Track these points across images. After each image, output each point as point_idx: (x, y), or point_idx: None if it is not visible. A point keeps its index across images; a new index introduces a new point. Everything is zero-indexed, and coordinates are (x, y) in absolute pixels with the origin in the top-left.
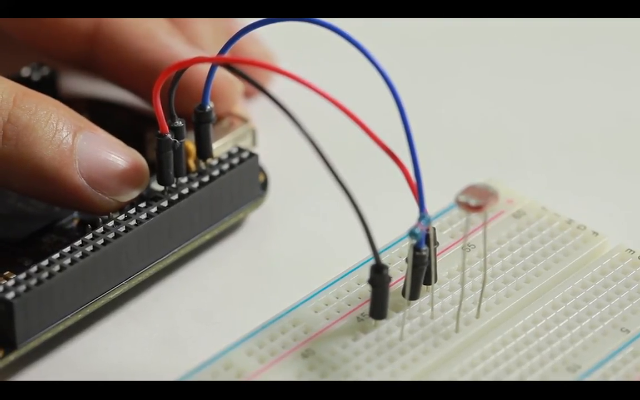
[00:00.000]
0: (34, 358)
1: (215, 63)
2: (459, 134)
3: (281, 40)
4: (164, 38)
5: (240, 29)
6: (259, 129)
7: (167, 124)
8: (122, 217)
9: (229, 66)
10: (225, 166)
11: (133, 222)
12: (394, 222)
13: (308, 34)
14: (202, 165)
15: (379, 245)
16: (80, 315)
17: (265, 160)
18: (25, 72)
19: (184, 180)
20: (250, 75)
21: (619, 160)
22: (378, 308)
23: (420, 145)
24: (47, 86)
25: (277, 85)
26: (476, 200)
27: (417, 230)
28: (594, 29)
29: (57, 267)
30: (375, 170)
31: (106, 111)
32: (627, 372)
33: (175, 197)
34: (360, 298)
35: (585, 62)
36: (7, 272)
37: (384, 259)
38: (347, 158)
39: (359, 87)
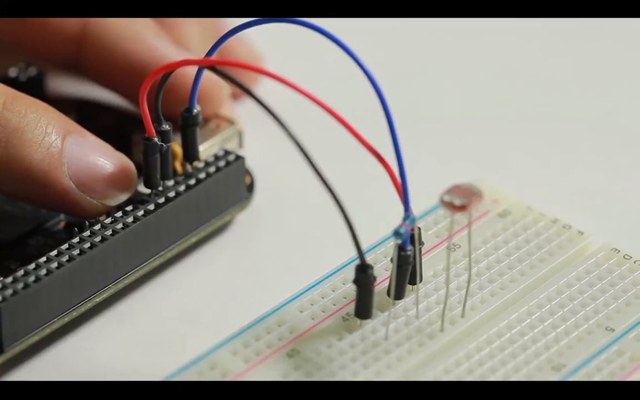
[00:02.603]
0: (21, 359)
1: (202, 66)
2: (446, 134)
3: (269, 41)
4: (151, 39)
5: (227, 30)
6: (245, 131)
7: (154, 128)
8: (109, 220)
9: (216, 69)
10: (212, 169)
11: (120, 226)
12: (379, 222)
13: (296, 35)
14: (189, 167)
15: (365, 245)
16: (67, 318)
17: (251, 162)
18: (13, 72)
19: (171, 183)
20: (237, 78)
21: (605, 160)
22: (363, 308)
23: (407, 145)
24: (34, 87)
25: (264, 87)
26: (460, 200)
27: (402, 230)
28: (580, 26)
29: (44, 271)
30: (361, 171)
31: (93, 112)
32: (612, 371)
33: (161, 200)
34: (345, 298)
35: (573, 59)
36: None
37: (369, 259)
38: (333, 159)
39: (345, 87)
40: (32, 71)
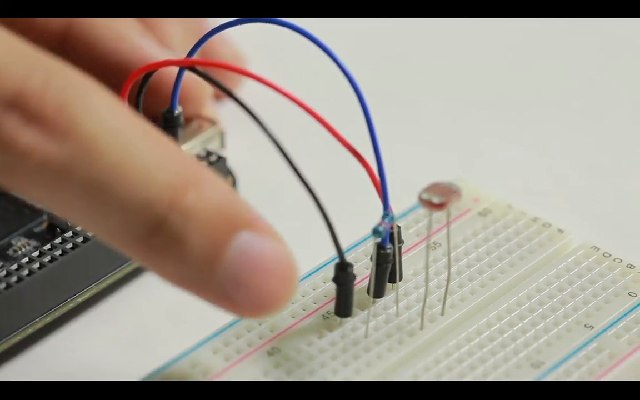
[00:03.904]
0: (3, 359)
1: (183, 66)
2: (426, 133)
3: (252, 41)
4: (135, 39)
5: (209, 30)
6: (227, 131)
7: None
8: None
9: (196, 69)
10: None
11: None
12: (361, 221)
13: (277, 35)
14: None
15: (346, 244)
16: (49, 319)
17: (233, 162)
18: None
19: None
20: (217, 78)
21: (585, 159)
22: (343, 306)
23: (388, 145)
24: None
25: (246, 87)
26: (439, 198)
27: (381, 228)
28: (564, 25)
29: (26, 271)
30: (342, 170)
31: None
32: (591, 368)
33: None
34: (326, 296)
35: (556, 57)
36: None
37: (350, 257)
38: (313, 158)
39: (325, 86)
40: None
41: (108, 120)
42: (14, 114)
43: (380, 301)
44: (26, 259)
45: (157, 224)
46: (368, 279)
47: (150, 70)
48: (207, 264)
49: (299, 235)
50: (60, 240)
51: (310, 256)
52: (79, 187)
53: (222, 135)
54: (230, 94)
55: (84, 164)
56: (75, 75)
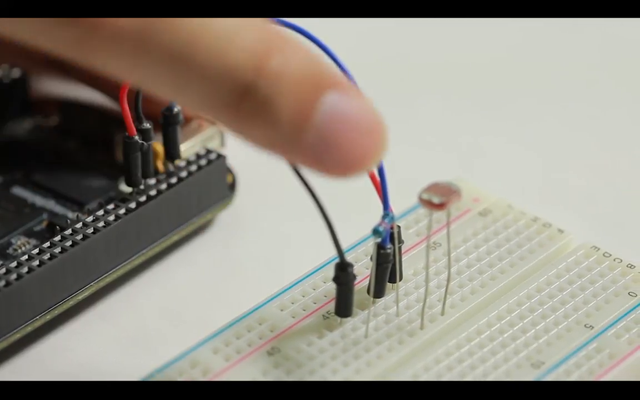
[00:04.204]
0: (2, 357)
1: None
2: (426, 133)
3: None
4: None
5: None
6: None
7: (135, 126)
8: (90, 219)
9: None
10: (193, 167)
11: (101, 224)
12: (361, 221)
13: None
14: (170, 166)
15: (346, 244)
16: (48, 316)
17: (233, 161)
18: None
19: (152, 181)
20: None
21: (585, 159)
22: (343, 306)
23: (390, 145)
24: (18, 88)
25: None
26: (439, 198)
27: (381, 228)
28: (565, 26)
29: (25, 269)
30: None
31: (77, 113)
32: (591, 368)
33: (143, 198)
34: (326, 296)
35: (556, 58)
36: None
37: (350, 257)
38: None
39: None
40: (16, 72)
41: None
42: None
43: (381, 301)
44: (26, 257)
45: (244, 90)
46: (368, 279)
47: None
48: (297, 126)
49: (298, 235)
50: (59, 238)
51: (310, 256)
52: (157, 57)
53: (222, 134)
54: None
55: (160, 33)
56: None
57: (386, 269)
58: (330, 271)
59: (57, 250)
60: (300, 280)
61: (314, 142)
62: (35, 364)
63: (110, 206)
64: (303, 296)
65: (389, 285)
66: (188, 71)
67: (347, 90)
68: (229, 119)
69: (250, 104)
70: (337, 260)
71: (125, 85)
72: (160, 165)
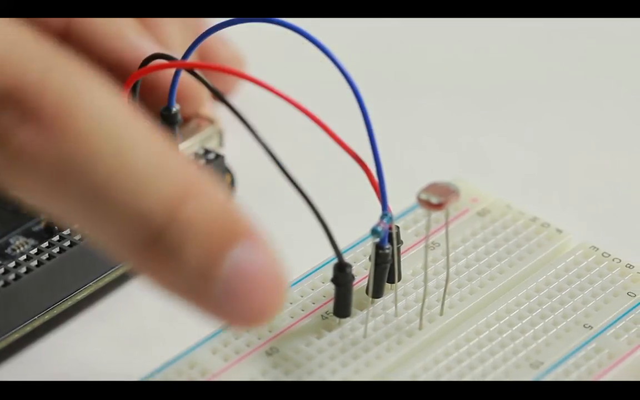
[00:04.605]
0: (0, 358)
1: (178, 69)
2: (425, 133)
3: (250, 40)
4: (133, 39)
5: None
6: (225, 129)
7: None
8: None
9: (193, 71)
10: None
11: None
12: (359, 221)
13: (276, 35)
14: None
15: (344, 244)
16: (47, 317)
17: (232, 161)
18: None
19: None
20: (215, 80)
21: (583, 159)
22: (342, 306)
23: (387, 145)
24: None
25: (244, 88)
26: (437, 198)
27: (379, 228)
28: (562, 27)
29: (23, 269)
30: (341, 170)
31: None
32: (590, 368)
33: None
34: (324, 296)
35: (555, 59)
36: None
37: (349, 257)
38: (312, 159)
39: (324, 87)
40: None
41: (106, 123)
42: (9, 110)
43: (379, 301)
44: (24, 257)
45: (154, 235)
46: (367, 279)
47: (145, 75)
48: (202, 276)
49: (297, 235)
50: (58, 238)
51: (309, 256)
52: (74, 192)
53: (220, 134)
54: (221, 98)
55: (79, 168)
56: (75, 70)
57: (385, 269)
58: (329, 271)
59: (56, 250)
60: (299, 281)
61: (218, 294)
62: (34, 364)
63: None
64: (302, 296)
65: (387, 285)
66: (101, 210)
67: (256, 243)
68: (139, 261)
69: (160, 249)
70: (336, 261)
71: (125, 88)
72: None
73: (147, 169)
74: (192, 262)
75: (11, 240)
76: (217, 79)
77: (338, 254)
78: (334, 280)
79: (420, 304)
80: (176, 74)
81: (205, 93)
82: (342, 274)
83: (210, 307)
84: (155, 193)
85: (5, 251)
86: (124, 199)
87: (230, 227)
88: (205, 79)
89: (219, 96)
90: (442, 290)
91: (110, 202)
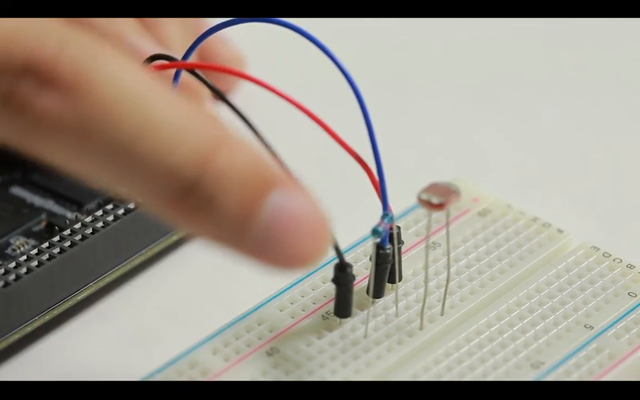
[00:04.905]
0: (1, 358)
1: (179, 68)
2: (426, 133)
3: (250, 40)
4: (133, 39)
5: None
6: None
7: None
8: (89, 219)
9: (194, 72)
10: None
11: (100, 224)
12: (360, 222)
13: (276, 35)
14: None
15: (345, 244)
16: (47, 317)
17: None
18: None
19: None
20: (216, 79)
21: (584, 159)
22: (342, 306)
23: (387, 145)
24: None
25: (244, 88)
26: (438, 198)
27: (380, 229)
28: (562, 27)
29: (24, 269)
30: (341, 170)
31: None
32: (590, 368)
33: None
34: (325, 296)
35: (552, 59)
36: None
37: (349, 257)
38: (312, 159)
39: (325, 87)
40: None
41: (127, 85)
42: (28, 79)
43: (380, 301)
44: (24, 257)
45: (188, 187)
46: (367, 279)
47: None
48: (240, 224)
49: None
50: (58, 238)
51: None
52: (99, 152)
53: None
54: (222, 97)
55: (103, 129)
56: (91, 42)
57: (385, 269)
58: (329, 271)
59: (56, 250)
60: (300, 281)
61: (258, 239)
62: (34, 365)
63: (109, 206)
64: (302, 296)
65: (388, 285)
66: (130, 167)
67: (292, 190)
68: (173, 215)
69: (195, 201)
70: (337, 261)
71: None
72: None
73: (172, 125)
74: (229, 211)
75: (11, 240)
76: (217, 79)
77: (339, 253)
78: (335, 280)
79: (420, 304)
80: (176, 74)
81: (206, 93)
82: (342, 273)
83: (251, 253)
84: (184, 148)
85: (6, 251)
86: (151, 155)
87: (265, 175)
88: (205, 78)
89: (219, 96)
90: (442, 290)
91: (136, 159)
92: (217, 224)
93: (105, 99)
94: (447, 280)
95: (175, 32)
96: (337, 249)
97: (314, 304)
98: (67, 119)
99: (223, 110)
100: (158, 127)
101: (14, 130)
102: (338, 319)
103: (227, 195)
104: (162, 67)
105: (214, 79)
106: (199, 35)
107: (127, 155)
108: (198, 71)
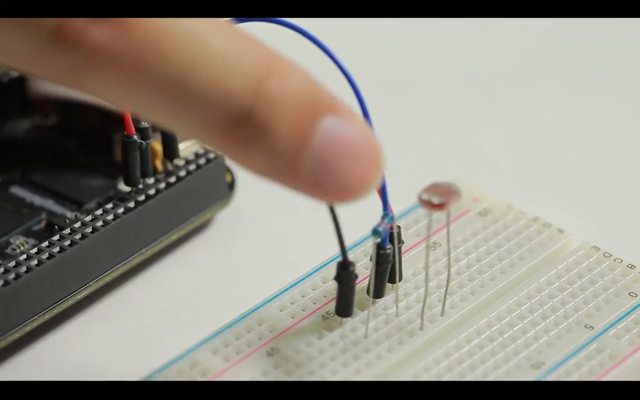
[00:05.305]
0: (0, 357)
1: None
2: (426, 133)
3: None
4: None
5: None
6: None
7: (134, 125)
8: (89, 218)
9: None
10: (192, 166)
11: (100, 223)
12: (360, 221)
13: (277, 35)
14: (169, 165)
15: (345, 244)
16: (47, 316)
17: None
18: None
19: (151, 181)
20: None
21: (585, 158)
22: (344, 305)
23: (387, 144)
24: (17, 87)
25: None
26: (438, 198)
27: (380, 229)
28: (562, 27)
29: (24, 268)
30: None
31: (76, 112)
32: (591, 368)
33: (142, 197)
34: (325, 296)
35: (553, 58)
36: None
37: (350, 258)
38: None
39: (328, 86)
40: (14, 72)
41: (176, 20)
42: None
43: (380, 301)
44: (24, 256)
45: (242, 115)
46: (368, 279)
47: None
48: (295, 151)
49: (298, 235)
50: (58, 238)
51: (309, 256)
52: (153, 85)
53: None
54: None
55: (157, 60)
56: None
57: (386, 269)
58: (330, 271)
59: (56, 249)
60: (300, 281)
61: (312, 167)
62: (34, 364)
63: (109, 205)
64: (302, 296)
65: (388, 285)
66: (185, 98)
67: (345, 114)
68: (226, 146)
69: (248, 130)
70: (340, 258)
71: None
72: (159, 165)
73: (226, 51)
74: (282, 138)
75: (11, 240)
76: None
77: (343, 251)
78: (337, 277)
79: (421, 304)
80: None
81: None
82: (345, 271)
83: (305, 183)
84: (238, 73)
85: (5, 251)
86: (207, 82)
87: (318, 99)
88: None
89: None
90: (443, 290)
91: (191, 90)
92: (271, 153)
93: (158, 29)
94: (448, 280)
95: None
96: (342, 245)
97: (314, 304)
98: (120, 52)
99: None
100: (212, 56)
101: (65, 67)
102: (338, 319)
103: (280, 123)
104: None
105: None
106: None
107: (182, 86)
108: None
